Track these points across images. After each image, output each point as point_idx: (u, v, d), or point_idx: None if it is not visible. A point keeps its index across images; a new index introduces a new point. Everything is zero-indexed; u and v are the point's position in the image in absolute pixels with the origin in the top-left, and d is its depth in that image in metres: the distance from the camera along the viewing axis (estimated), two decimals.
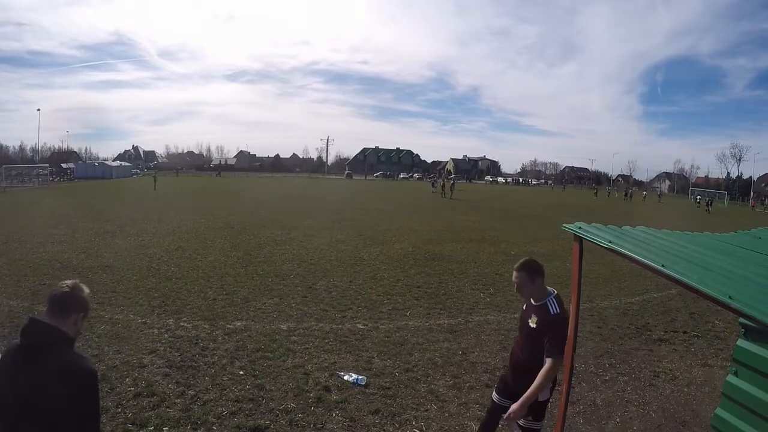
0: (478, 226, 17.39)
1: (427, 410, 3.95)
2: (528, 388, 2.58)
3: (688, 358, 5.40)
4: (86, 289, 1.83)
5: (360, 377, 4.41)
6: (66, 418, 1.60)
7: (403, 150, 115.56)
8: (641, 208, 36.92)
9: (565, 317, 2.68)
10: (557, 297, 2.73)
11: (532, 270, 2.74)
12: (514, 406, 2.60)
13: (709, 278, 2.10)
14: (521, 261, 2.80)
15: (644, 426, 3.88)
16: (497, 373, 4.70)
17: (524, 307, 2.87)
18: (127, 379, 4.17)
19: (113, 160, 79.89)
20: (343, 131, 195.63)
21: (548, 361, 2.58)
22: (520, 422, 2.78)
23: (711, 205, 39.86)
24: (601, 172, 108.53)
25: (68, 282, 1.82)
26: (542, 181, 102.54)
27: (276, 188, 39.70)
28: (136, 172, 70.84)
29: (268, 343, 5.17)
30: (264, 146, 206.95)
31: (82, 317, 1.78)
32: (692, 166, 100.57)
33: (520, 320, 2.92)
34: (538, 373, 2.59)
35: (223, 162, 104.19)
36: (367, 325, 5.93)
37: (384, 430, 3.65)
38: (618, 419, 3.97)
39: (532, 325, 2.70)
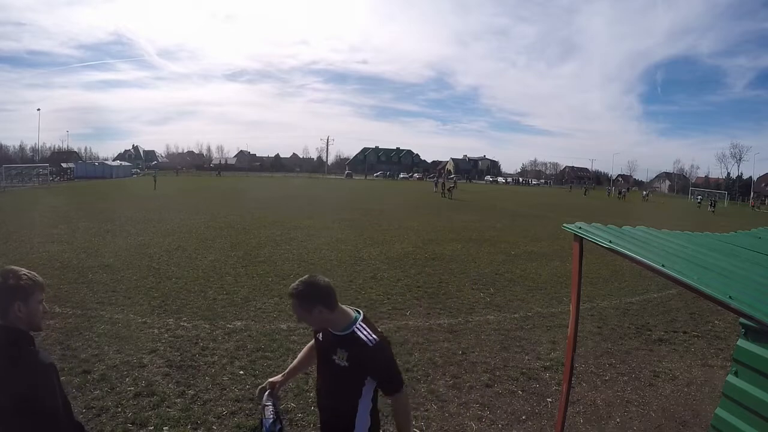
0: (478, 226, 17.38)
1: (427, 410, 3.95)
2: None
3: (688, 358, 5.39)
4: (19, 272, 1.64)
5: None
6: (23, 417, 1.54)
7: (403, 150, 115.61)
8: (641, 207, 36.92)
9: (386, 342, 2.09)
10: (365, 320, 2.08)
11: (303, 297, 1.99)
12: None
13: (709, 278, 2.10)
14: (294, 283, 2.03)
15: (644, 426, 3.88)
16: (497, 373, 4.71)
17: (320, 337, 2.15)
18: (127, 379, 4.17)
19: (113, 160, 79.97)
20: (343, 131, 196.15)
21: (396, 399, 2.08)
22: None
23: (715, 206, 39.71)
24: (601, 172, 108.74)
25: None
26: (542, 181, 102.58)
27: (276, 188, 39.70)
28: (136, 171, 70.81)
29: (268, 343, 5.16)
30: (264, 146, 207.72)
31: (22, 303, 1.62)
32: (692, 166, 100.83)
33: (318, 353, 2.19)
34: (356, 417, 2.05)
35: (223, 162, 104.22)
36: None
37: (384, 429, 3.65)
38: (618, 419, 3.97)
39: (341, 362, 2.01)
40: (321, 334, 2.14)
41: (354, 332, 2.01)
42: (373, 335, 2.01)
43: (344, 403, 2.06)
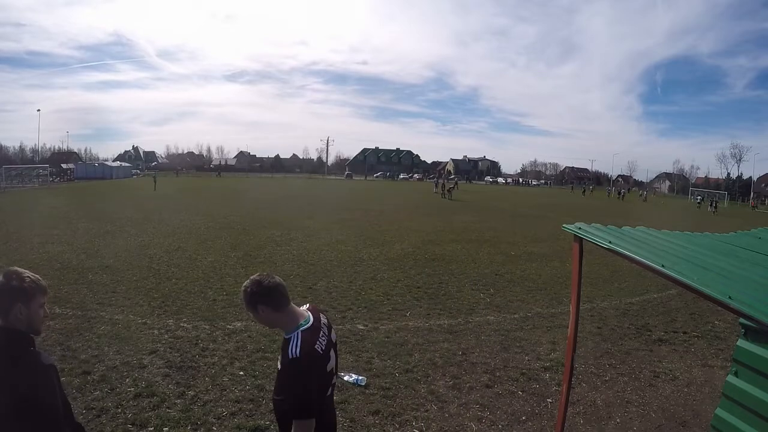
0: (478, 226, 17.38)
1: (427, 410, 3.95)
2: None
3: (688, 358, 5.40)
4: (22, 274, 1.64)
5: (360, 377, 4.41)
6: (23, 418, 1.53)
7: (403, 150, 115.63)
8: (641, 207, 36.92)
9: (304, 364, 1.85)
10: (308, 331, 1.94)
11: (247, 295, 1.94)
12: None
13: (709, 278, 2.11)
14: (246, 282, 1.97)
15: (644, 426, 3.88)
16: (497, 374, 4.71)
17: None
18: (127, 380, 4.17)
19: (113, 161, 79.96)
20: (343, 131, 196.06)
21: (294, 425, 1.84)
22: None
23: (717, 207, 39.28)
24: (601, 173, 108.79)
25: None
26: (542, 181, 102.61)
27: (276, 189, 39.71)
28: (136, 172, 70.81)
29: (268, 344, 5.16)
30: (264, 146, 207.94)
31: (24, 306, 1.61)
32: (692, 166, 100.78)
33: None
34: (288, 422, 1.90)
35: (223, 162, 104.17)
36: (367, 326, 5.93)
37: (384, 430, 3.65)
38: (618, 419, 3.97)
39: (279, 365, 1.97)
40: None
41: (289, 339, 1.91)
42: (296, 350, 1.86)
43: (280, 404, 1.96)
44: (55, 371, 1.68)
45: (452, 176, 68.89)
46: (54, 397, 1.64)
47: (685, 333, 6.24)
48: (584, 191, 61.12)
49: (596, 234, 2.67)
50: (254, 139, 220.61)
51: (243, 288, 1.96)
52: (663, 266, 2.17)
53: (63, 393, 1.74)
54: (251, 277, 1.97)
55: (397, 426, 3.70)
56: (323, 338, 1.98)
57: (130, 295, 6.86)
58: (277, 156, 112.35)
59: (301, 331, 1.93)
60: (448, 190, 35.25)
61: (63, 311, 5.94)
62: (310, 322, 1.99)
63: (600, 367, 5.01)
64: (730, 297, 1.89)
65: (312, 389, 1.88)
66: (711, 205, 40.38)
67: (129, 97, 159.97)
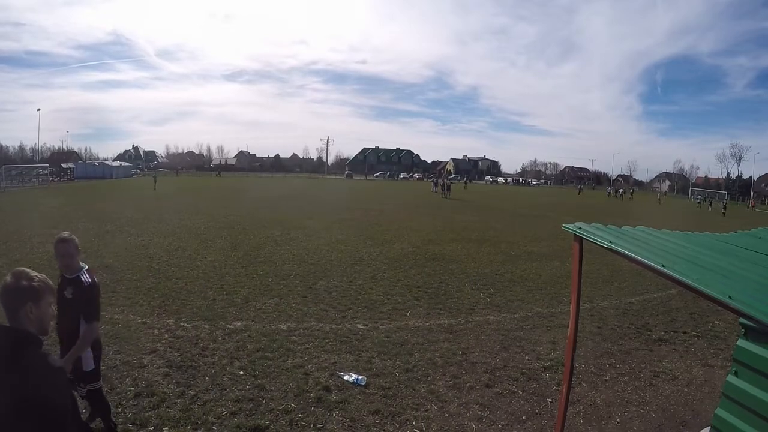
0: (478, 226, 17.38)
1: (427, 410, 3.96)
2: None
3: (688, 358, 5.40)
4: (30, 274, 1.67)
5: (360, 377, 4.41)
6: (30, 420, 1.52)
7: (403, 150, 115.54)
8: (640, 207, 36.91)
9: (97, 287, 3.05)
10: (89, 271, 3.08)
11: (74, 241, 3.08)
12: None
13: (709, 278, 2.10)
14: (67, 233, 3.12)
15: (644, 426, 3.88)
16: (497, 374, 4.72)
17: (60, 282, 3.03)
18: (128, 379, 4.17)
19: (113, 160, 79.81)
20: (343, 131, 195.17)
21: (87, 325, 2.94)
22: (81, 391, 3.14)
23: (726, 207, 37.86)
24: (601, 172, 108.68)
25: (7, 276, 1.67)
26: (542, 181, 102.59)
27: (276, 188, 39.69)
28: (136, 172, 70.72)
29: (268, 343, 5.17)
30: (264, 146, 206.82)
31: (33, 305, 1.64)
32: (692, 166, 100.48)
33: (57, 293, 2.92)
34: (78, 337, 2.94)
35: (223, 162, 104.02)
36: (367, 325, 5.93)
37: (384, 430, 3.66)
38: (618, 419, 3.97)
39: (68, 296, 2.96)
40: (60, 280, 3.03)
41: (79, 275, 3.03)
42: (90, 280, 3.03)
43: (71, 324, 3.00)
44: (64, 374, 1.68)
45: (452, 176, 68.96)
46: (63, 399, 1.64)
47: (685, 333, 6.24)
48: (580, 190, 62.59)
49: (596, 233, 2.66)
50: (254, 138, 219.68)
51: (69, 234, 3.11)
52: (663, 266, 2.17)
53: (73, 396, 1.74)
54: (69, 233, 3.15)
55: (397, 425, 3.71)
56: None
57: (130, 295, 6.86)
58: (277, 156, 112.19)
59: (87, 270, 3.08)
60: (447, 189, 35.36)
61: None
62: (87, 267, 3.12)
63: (600, 367, 5.01)
64: (730, 296, 1.89)
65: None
66: (711, 204, 40.20)
67: (128, 96, 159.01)
